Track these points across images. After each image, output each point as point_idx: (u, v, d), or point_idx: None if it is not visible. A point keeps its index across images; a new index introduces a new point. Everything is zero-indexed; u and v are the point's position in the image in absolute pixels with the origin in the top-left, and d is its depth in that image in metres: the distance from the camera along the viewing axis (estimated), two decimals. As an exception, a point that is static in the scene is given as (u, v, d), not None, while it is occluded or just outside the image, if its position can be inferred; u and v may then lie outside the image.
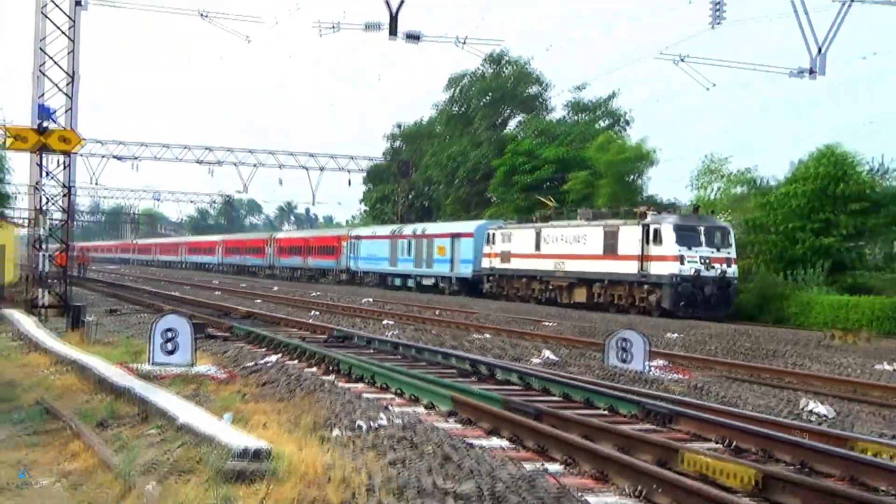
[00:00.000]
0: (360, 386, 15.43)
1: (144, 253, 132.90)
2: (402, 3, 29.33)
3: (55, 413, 11.80)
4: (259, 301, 41.57)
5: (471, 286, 53.41)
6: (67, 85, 27.30)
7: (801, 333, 31.28)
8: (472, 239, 53.42)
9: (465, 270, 54.03)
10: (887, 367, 21.43)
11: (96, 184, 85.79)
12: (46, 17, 27.18)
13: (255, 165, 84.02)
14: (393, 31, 29.70)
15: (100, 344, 20.31)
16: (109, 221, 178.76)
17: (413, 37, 31.53)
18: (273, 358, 18.59)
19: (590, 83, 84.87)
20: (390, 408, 13.04)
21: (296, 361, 18.46)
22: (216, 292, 50.07)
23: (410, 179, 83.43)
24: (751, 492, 8.60)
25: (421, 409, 13.24)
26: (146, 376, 14.51)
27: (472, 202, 73.98)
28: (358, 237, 69.06)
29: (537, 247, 46.51)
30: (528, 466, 9.57)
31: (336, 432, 10.94)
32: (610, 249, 40.93)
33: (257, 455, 8.64)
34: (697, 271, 37.30)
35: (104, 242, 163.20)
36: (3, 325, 24.94)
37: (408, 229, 62.93)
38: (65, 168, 28.04)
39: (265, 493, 7.94)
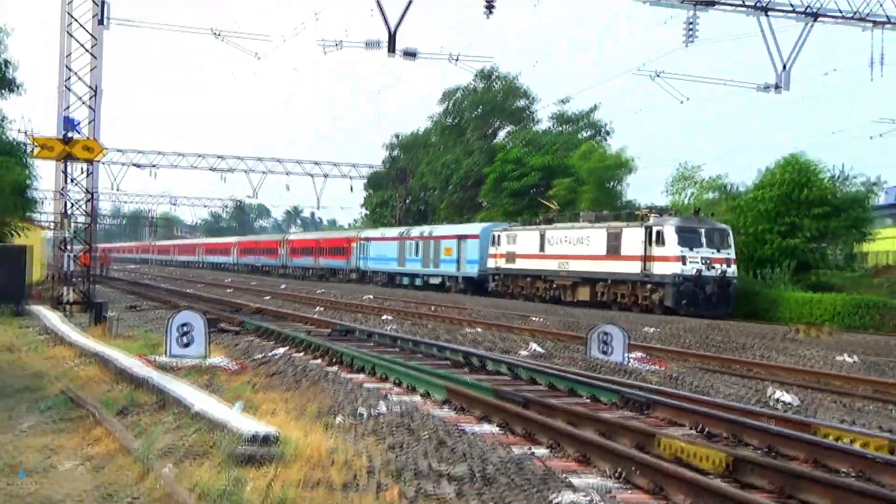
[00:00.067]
0: (361, 376, 15.42)
1: (164, 253, 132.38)
2: (399, 22, 29.34)
3: (79, 401, 11.78)
4: (268, 298, 41.50)
5: (476, 285, 52.66)
6: (91, 98, 27.25)
7: (768, 328, 31.29)
8: (478, 240, 52.73)
9: (472, 270, 53.28)
10: (848, 358, 21.44)
11: (117, 190, 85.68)
12: (71, 35, 27.13)
13: (263, 172, 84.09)
14: (391, 48, 29.68)
15: (120, 338, 20.27)
16: (129, 224, 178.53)
17: (410, 54, 31.51)
18: (280, 350, 18.57)
19: (573, 97, 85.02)
20: (389, 396, 13.04)
21: (302, 354, 18.43)
22: (228, 290, 49.98)
23: (408, 185, 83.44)
24: (722, 473, 8.60)
25: (417, 398, 13.24)
26: (163, 367, 14.48)
27: (465, 207, 73.98)
28: (367, 239, 68.24)
29: (541, 248, 45.68)
30: (516, 450, 9.57)
31: (339, 419, 10.94)
32: (613, 250, 40.09)
33: (266, 440, 8.63)
34: (699, 271, 36.55)
35: (125, 244, 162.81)
36: (30, 320, 24.89)
37: (415, 231, 62.23)
38: (88, 175, 27.99)
39: (273, 476, 7.93)
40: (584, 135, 72.13)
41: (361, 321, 27.81)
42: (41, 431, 10.25)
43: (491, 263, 50.35)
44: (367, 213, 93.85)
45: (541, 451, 9.80)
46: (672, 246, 36.99)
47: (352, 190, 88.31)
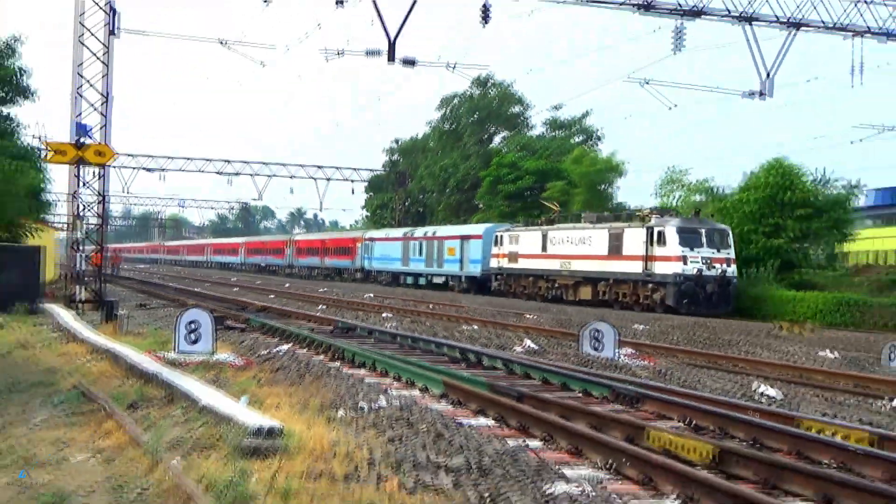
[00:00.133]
0: (362, 371, 15.42)
1: (173, 253, 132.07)
2: (399, 32, 29.34)
3: (91, 396, 11.77)
4: (272, 296, 41.49)
5: (479, 284, 52.12)
6: (102, 105, 27.26)
7: (752, 325, 31.32)
8: (481, 241, 52.11)
9: (475, 270, 52.69)
10: (829, 354, 21.46)
11: (127, 192, 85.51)
12: (84, 44, 27.13)
13: (268, 176, 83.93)
14: (391, 57, 29.67)
15: (131, 335, 20.25)
16: (139, 226, 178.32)
17: (409, 62, 31.52)
18: (285, 347, 18.57)
19: (565, 103, 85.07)
20: (389, 391, 13.04)
21: (305, 350, 18.43)
22: (234, 289, 49.97)
23: (407, 188, 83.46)
24: (709, 465, 8.60)
25: (416, 392, 13.23)
26: (172, 363, 14.47)
27: (462, 209, 74.01)
28: (372, 239, 67.57)
29: (543, 248, 45.05)
30: (511, 443, 9.57)
31: (341, 413, 10.93)
32: (615, 250, 39.48)
33: (271, 433, 8.62)
34: (700, 271, 36.07)
35: (135, 244, 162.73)
36: (44, 317, 24.86)
37: (419, 232, 61.60)
38: (99, 178, 27.99)
39: (278, 467, 7.93)
40: (577, 140, 72.21)
41: (362, 319, 27.81)
42: (54, 425, 10.23)
43: (494, 263, 49.75)
44: (368, 214, 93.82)
45: (535, 443, 9.79)
46: (673, 246, 36.47)
47: (353, 192, 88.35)
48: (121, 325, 22.38)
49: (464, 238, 54.65)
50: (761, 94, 32.21)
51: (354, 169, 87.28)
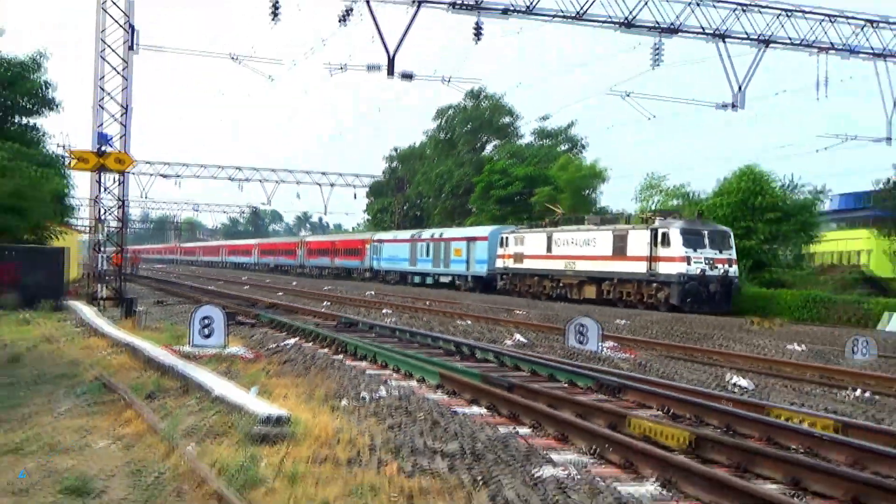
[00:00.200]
0: (363, 364, 15.41)
1: (189, 254, 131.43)
2: (397, 48, 29.35)
3: (111, 387, 11.74)
4: (280, 294, 41.45)
5: (485, 284, 51.22)
6: (122, 116, 27.20)
7: (725, 320, 31.33)
8: (487, 242, 51.22)
9: (481, 270, 51.73)
10: (797, 347, 21.50)
11: (145, 197, 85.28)
12: (105, 59, 27.07)
13: (276, 182, 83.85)
14: (391, 71, 29.66)
15: (148, 329, 20.22)
16: (156, 228, 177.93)
17: (407, 76, 31.48)
18: (292, 341, 18.55)
19: (552, 114, 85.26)
20: (389, 382, 13.04)
21: (311, 344, 18.41)
22: (245, 287, 49.91)
23: (405, 193, 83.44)
24: (685, 450, 8.61)
25: (414, 383, 13.22)
26: (187, 356, 14.45)
27: (456, 212, 73.98)
28: (381, 241, 66.46)
29: (548, 249, 44.07)
30: (502, 430, 9.57)
31: (344, 402, 10.92)
32: (619, 251, 38.54)
33: (279, 421, 8.61)
34: (703, 271, 35.23)
35: (153, 246, 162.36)
36: (68, 314, 24.81)
37: (426, 234, 60.64)
38: (119, 184, 27.92)
39: (285, 453, 7.92)
40: (563, 148, 72.27)
41: (364, 314, 27.78)
42: (77, 414, 10.21)
43: (499, 263, 48.84)
44: (369, 218, 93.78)
45: (524, 430, 9.79)
46: (677, 247, 35.70)
47: (355, 197, 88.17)
48: (139, 320, 22.34)
49: (470, 240, 53.81)
50: (733, 105, 32.26)
51: (356, 175, 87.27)
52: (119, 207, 28.15)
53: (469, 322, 25.99)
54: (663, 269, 36.05)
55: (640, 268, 37.06)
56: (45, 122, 42.34)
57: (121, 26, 27.01)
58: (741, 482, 7.13)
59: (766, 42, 31.45)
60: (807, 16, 31.61)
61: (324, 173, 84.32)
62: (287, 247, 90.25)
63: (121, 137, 27.25)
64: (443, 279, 56.64)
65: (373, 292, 44.94)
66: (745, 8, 31.09)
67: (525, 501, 6.69)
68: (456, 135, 78.89)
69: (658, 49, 31.07)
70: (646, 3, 30.28)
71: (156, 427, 9.02)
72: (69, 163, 29.64)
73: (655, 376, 14.34)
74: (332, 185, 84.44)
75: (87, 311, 23.91)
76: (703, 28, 30.86)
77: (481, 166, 69.98)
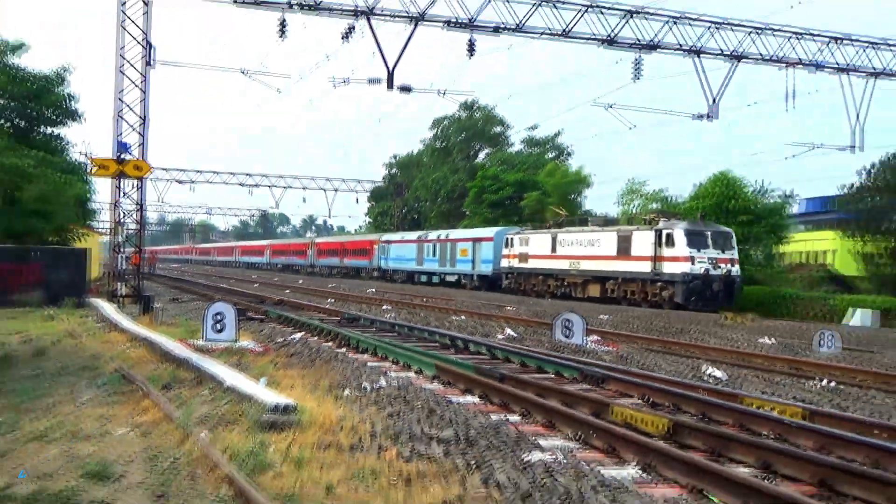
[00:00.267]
0: (365, 356, 15.40)
1: (204, 255, 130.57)
2: (396, 63, 29.33)
3: (130, 378, 11.72)
4: (288, 291, 41.40)
5: (490, 282, 50.25)
6: (140, 126, 27.15)
7: (702, 315, 31.33)
8: (492, 242, 50.15)
9: (486, 269, 50.68)
10: (767, 340, 21.52)
11: (162, 201, 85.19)
12: (124, 74, 27.03)
13: (284, 187, 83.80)
14: (390, 84, 29.65)
15: (165, 325, 20.19)
16: (172, 230, 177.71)
17: (405, 89, 31.46)
18: (298, 335, 18.54)
19: (540, 124, 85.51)
20: (388, 373, 13.03)
21: (316, 338, 18.39)
22: (255, 285, 49.85)
23: (404, 198, 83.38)
24: (664, 436, 8.61)
25: (412, 374, 13.22)
26: (200, 350, 14.42)
27: (451, 215, 73.93)
28: (388, 241, 65.16)
29: (553, 249, 42.98)
30: (494, 417, 9.57)
31: (347, 392, 10.91)
32: (623, 251, 37.45)
33: (286, 409, 8.60)
34: (707, 270, 34.22)
35: (169, 247, 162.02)
36: (90, 310, 24.76)
37: (433, 235, 59.36)
38: (137, 190, 27.87)
39: (292, 439, 7.91)
40: (550, 156, 72.27)
41: (365, 311, 27.76)
42: (98, 403, 10.18)
43: (504, 263, 47.83)
44: (370, 220, 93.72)
45: (514, 417, 9.79)
46: (681, 247, 34.77)
47: (357, 201, 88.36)
48: (156, 316, 22.31)
49: (476, 240, 52.82)
50: (708, 116, 32.31)
51: (358, 181, 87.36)
52: (137, 211, 28.11)
53: (463, 317, 25.98)
54: (667, 268, 35.24)
55: (645, 267, 36.22)
56: (69, 132, 42.18)
57: (139, 43, 26.98)
58: (716, 466, 7.13)
59: (738, 57, 31.53)
60: (776, 33, 31.73)
61: (328, 179, 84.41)
62: (298, 247, 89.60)
63: (139, 146, 27.22)
64: (449, 278, 55.58)
65: (374, 290, 44.89)
66: (718, 26, 31.21)
67: (515, 484, 6.69)
68: (451, 143, 78.89)
69: (638, 64, 31.13)
70: (627, 22, 30.38)
71: (171, 415, 9.00)
72: (91, 170, 29.59)
73: (636, 367, 14.36)
74: (335, 190, 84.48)
75: (108, 308, 23.86)
76: (680, 45, 30.95)
77: (474, 173, 69.96)
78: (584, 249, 40.55)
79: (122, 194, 27.67)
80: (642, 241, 36.51)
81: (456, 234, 57.14)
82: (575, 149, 75.06)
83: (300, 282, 56.16)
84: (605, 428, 8.50)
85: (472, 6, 28.98)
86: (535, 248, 45.06)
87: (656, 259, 35.62)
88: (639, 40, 30.59)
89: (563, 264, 42.24)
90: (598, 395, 11.22)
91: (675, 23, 30.77)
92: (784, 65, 31.93)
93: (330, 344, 17.21)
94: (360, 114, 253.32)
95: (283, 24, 27.84)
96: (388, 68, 29.32)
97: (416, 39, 30.12)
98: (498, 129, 78.25)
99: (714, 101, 31.96)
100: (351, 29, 29.27)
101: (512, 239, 47.32)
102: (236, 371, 11.50)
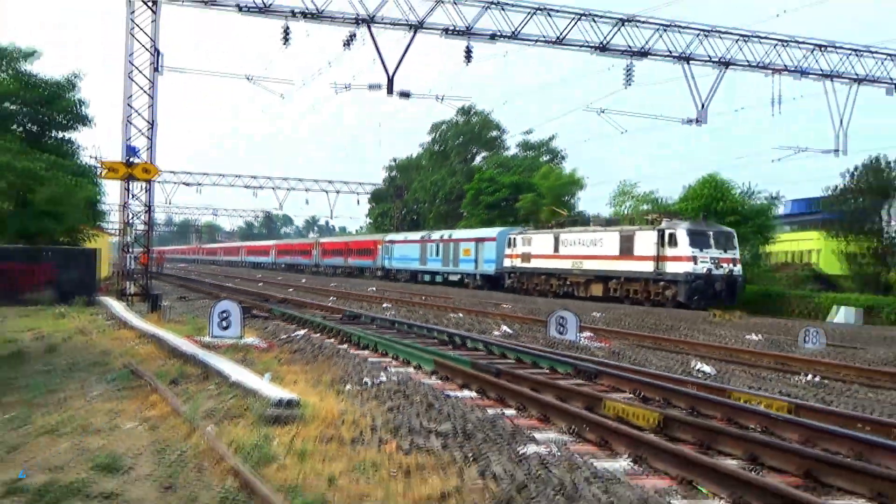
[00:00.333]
0: (366, 352, 15.39)
1: (211, 254, 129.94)
2: (396, 69, 29.36)
3: (139, 373, 11.71)
4: (291, 290, 41.37)
5: (493, 282, 49.52)
6: (148, 130, 27.16)
7: (690, 313, 31.32)
8: (495, 242, 49.25)
9: (489, 269, 49.81)
10: (754, 337, 21.53)
11: (169, 203, 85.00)
12: (132, 80, 27.02)
13: (287, 189, 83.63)
14: (390, 90, 29.68)
15: (172, 322, 20.17)
16: (179, 231, 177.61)
17: (405, 94, 31.46)
18: (301, 332, 18.52)
19: (535, 129, 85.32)
20: (388, 368, 13.02)
21: (318, 334, 18.38)
22: (259, 283, 49.81)
23: (403, 199, 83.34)
24: (655, 429, 8.61)
25: (411, 370, 13.21)
26: (207, 346, 14.42)
27: (449, 216, 73.90)
28: (392, 241, 64.08)
29: (556, 249, 42.11)
30: (490, 411, 9.55)
31: (348, 387, 10.90)
32: (626, 251, 36.70)
33: (289, 404, 8.60)
34: (709, 270, 33.52)
35: (176, 247, 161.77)
36: (100, 308, 24.74)
37: (436, 235, 58.41)
38: (146, 192, 27.87)
39: (295, 432, 7.90)
40: (544, 159, 72.26)
41: (366, 308, 27.74)
42: (108, 398, 10.17)
43: (507, 263, 47.06)
44: (371, 221, 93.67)
45: (510, 411, 9.78)
46: (684, 247, 34.03)
47: (358, 203, 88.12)
48: (164, 314, 22.28)
49: (479, 240, 51.95)
50: (697, 121, 32.36)
51: (359, 183, 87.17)
52: (146, 212, 28.11)
53: (461, 315, 25.96)
54: (670, 268, 34.56)
55: (648, 267, 35.56)
56: (79, 136, 42.09)
57: (147, 50, 26.97)
58: (705, 458, 7.13)
59: (726, 64, 31.57)
60: (762, 40, 31.78)
61: (330, 181, 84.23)
62: (303, 247, 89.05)
63: (147, 149, 27.23)
64: (452, 278, 54.77)
65: (374, 288, 44.86)
66: (707, 33, 31.25)
67: (511, 476, 6.68)
68: (449, 147, 78.89)
69: (630, 70, 31.17)
70: (618, 30, 30.42)
71: (179, 410, 8.99)
72: (101, 172, 29.56)
73: (628, 363, 14.35)
74: (337, 191, 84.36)
75: (117, 306, 23.85)
76: (670, 51, 30.99)
77: (471, 175, 69.95)
78: (587, 249, 39.86)
79: (130, 196, 27.67)
80: (645, 241, 35.90)
81: (459, 234, 56.38)
82: (569, 152, 75.02)
83: (303, 281, 56.12)
84: (597, 421, 8.49)
85: (469, 14, 29.06)
86: (537, 247, 44.37)
87: (659, 259, 34.99)
88: (630, 47, 30.63)
89: (565, 264, 41.56)
90: (590, 389, 11.21)
91: (665, 30, 30.81)
92: (770, 71, 31.99)
93: (332, 340, 17.19)
94: (361, 118, 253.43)
95: (286, 31, 27.85)
96: (388, 74, 29.35)
97: (416, 46, 30.24)
98: (494, 133, 78.24)
99: (703, 106, 32.00)
100: (352, 36, 29.31)
101: (514, 239, 46.58)
102: (241, 367, 11.48)
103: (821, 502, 5.94)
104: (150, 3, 26.83)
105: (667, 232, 34.87)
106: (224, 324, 16.10)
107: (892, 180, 40.69)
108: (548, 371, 13.27)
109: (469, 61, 29.50)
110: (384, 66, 29.22)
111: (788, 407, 9.79)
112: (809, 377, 13.93)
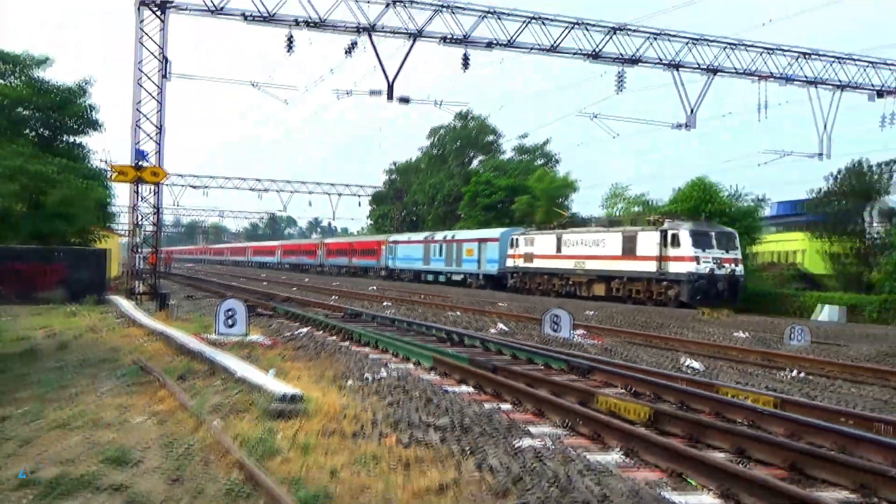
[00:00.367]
0: (367, 349, 15.37)
1: (218, 255, 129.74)
2: (396, 76, 29.36)
3: (147, 370, 11.70)
4: (294, 289, 41.32)
5: (496, 282, 48.41)
6: (156, 135, 27.14)
7: (680, 311, 31.35)
8: (498, 243, 48.72)
9: (492, 268, 49.18)
10: (742, 334, 21.53)
11: (177, 205, 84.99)
12: (141, 86, 27.02)
13: (291, 191, 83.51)
14: (390, 96, 29.68)
15: (180, 320, 20.15)
16: (187, 232, 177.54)
17: (404, 100, 31.47)
18: (304, 329, 18.50)
19: (530, 133, 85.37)
20: (389, 365, 13.01)
21: (321, 332, 18.36)
22: (264, 283, 49.75)
23: (403, 201, 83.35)
24: (645, 423, 8.61)
25: (411, 366, 13.20)
26: (213, 343, 14.41)
27: (447, 218, 73.90)
28: (396, 242, 63.43)
29: (558, 249, 41.47)
30: (487, 406, 9.55)
31: (350, 382, 10.89)
32: (629, 251, 36.13)
33: (293, 399, 8.59)
34: (712, 270, 32.98)
35: (184, 247, 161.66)
36: (109, 307, 24.71)
37: (439, 235, 57.85)
38: (154, 194, 27.84)
39: (299, 427, 7.89)
40: (539, 162, 72.28)
41: (367, 307, 27.71)
42: (117, 393, 10.16)
43: (510, 263, 46.14)
44: (371, 223, 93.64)
45: (506, 406, 9.78)
46: (687, 247, 33.49)
47: (360, 205, 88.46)
48: (172, 312, 22.27)
49: (481, 241, 51.30)
50: (686, 125, 32.39)
51: (360, 186, 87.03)
52: (154, 214, 28.10)
53: (458, 313, 25.95)
54: (673, 268, 33.95)
55: (650, 267, 35.07)
56: (90, 141, 42.10)
57: (155, 57, 26.96)
58: (694, 451, 7.13)
59: (714, 71, 31.62)
60: (749, 48, 31.83)
61: (332, 184, 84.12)
62: (308, 248, 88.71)
63: (156, 153, 27.21)
64: (455, 277, 54.11)
65: (374, 287, 44.80)
66: (696, 41, 31.30)
67: (507, 468, 6.68)
68: (447, 151, 78.93)
69: (621, 77, 31.19)
70: (611, 38, 30.46)
71: (186, 405, 8.98)
72: (111, 176, 29.55)
73: (620, 359, 14.35)
74: (339, 194, 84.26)
75: (126, 305, 23.83)
76: (660, 59, 31.02)
77: (468, 178, 69.98)
78: (589, 249, 39.29)
79: (139, 198, 27.66)
80: (648, 242, 35.41)
81: (462, 234, 55.73)
82: (562, 156, 75.29)
83: (306, 280, 56.05)
84: (590, 416, 8.49)
85: (466, 23, 29.08)
86: (540, 248, 43.75)
87: (662, 259, 34.51)
88: (622, 55, 30.68)
89: (568, 264, 40.97)
90: (584, 385, 11.21)
91: (655, 39, 30.86)
92: (757, 78, 32.02)
93: (334, 338, 17.18)
94: (362, 123, 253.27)
95: (290, 39, 27.83)
96: (388, 81, 29.35)
97: (415, 54, 30.29)
98: (490, 137, 78.31)
99: (692, 111, 32.03)
100: (353, 44, 29.27)
101: (517, 239, 45.92)
102: (246, 363, 11.48)
103: (806, 494, 5.94)
104: (158, 13, 26.83)
105: (669, 232, 34.45)
106: (230, 322, 16.09)
107: (873, 183, 40.77)
108: (542, 367, 13.27)
109: (466, 68, 29.53)
110: (384, 73, 29.26)
111: (774, 402, 9.80)
112: (794, 373, 13.93)
